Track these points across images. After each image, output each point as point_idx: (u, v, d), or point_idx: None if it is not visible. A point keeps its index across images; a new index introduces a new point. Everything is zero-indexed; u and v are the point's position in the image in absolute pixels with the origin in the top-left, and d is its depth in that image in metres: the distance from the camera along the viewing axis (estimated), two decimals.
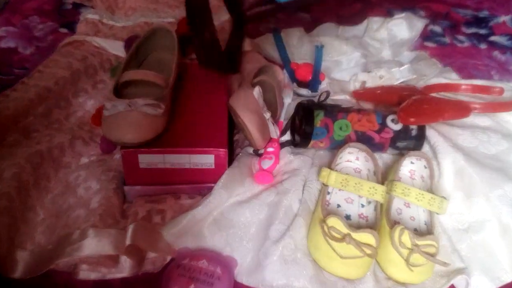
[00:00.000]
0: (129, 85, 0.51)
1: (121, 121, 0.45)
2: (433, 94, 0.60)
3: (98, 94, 0.62)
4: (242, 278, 0.44)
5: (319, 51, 0.61)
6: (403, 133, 0.52)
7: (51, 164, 0.52)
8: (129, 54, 0.54)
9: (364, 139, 0.52)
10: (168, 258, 0.45)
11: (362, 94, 0.63)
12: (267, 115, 0.52)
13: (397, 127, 0.52)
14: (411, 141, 0.53)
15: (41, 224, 0.47)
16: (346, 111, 0.54)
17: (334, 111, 0.53)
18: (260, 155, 0.53)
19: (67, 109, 0.60)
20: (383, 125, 0.52)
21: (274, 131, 0.53)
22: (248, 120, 0.50)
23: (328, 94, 0.56)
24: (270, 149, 0.52)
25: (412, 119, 0.50)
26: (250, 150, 0.55)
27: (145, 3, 0.80)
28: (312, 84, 0.63)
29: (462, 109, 0.52)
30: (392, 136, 0.52)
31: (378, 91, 0.62)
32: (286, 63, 0.68)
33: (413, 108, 0.51)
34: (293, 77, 0.65)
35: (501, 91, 0.58)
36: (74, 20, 0.77)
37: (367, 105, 0.63)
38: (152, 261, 0.45)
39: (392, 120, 0.53)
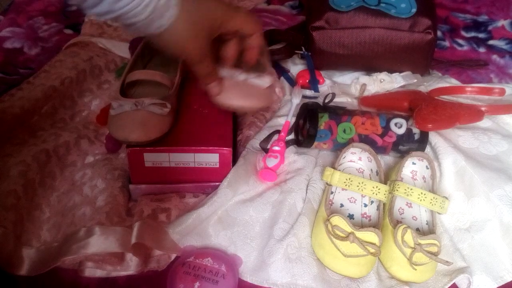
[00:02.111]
0: (135, 85, 0.52)
1: (127, 120, 0.46)
2: (436, 97, 0.61)
3: (103, 94, 0.63)
4: (246, 276, 0.44)
5: (308, 57, 0.67)
6: (406, 137, 0.53)
7: (57, 163, 0.52)
8: (135, 55, 0.55)
9: (367, 142, 0.52)
10: (173, 256, 0.45)
11: (370, 100, 0.63)
12: (242, 76, 0.47)
13: (401, 131, 0.53)
14: (414, 144, 0.53)
15: (47, 222, 0.48)
16: (350, 113, 0.54)
17: (339, 113, 0.54)
18: (266, 151, 0.53)
19: (72, 108, 0.61)
20: (386, 129, 0.53)
21: (267, 80, 0.49)
22: (233, 103, 0.47)
23: (333, 96, 0.56)
24: (275, 148, 0.53)
25: (429, 126, 0.51)
26: (256, 144, 0.55)
27: None
28: (312, 85, 0.65)
29: (476, 113, 0.53)
30: (395, 140, 0.53)
31: (386, 97, 0.62)
32: (284, 72, 0.69)
33: (430, 114, 0.51)
34: (293, 83, 0.66)
35: (502, 91, 0.61)
36: (79, 21, 0.78)
37: (371, 109, 0.64)
38: (157, 259, 0.45)
39: (396, 124, 0.53)
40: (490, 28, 0.81)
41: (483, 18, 0.83)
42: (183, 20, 0.37)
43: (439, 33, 0.81)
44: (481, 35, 0.80)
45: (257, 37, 0.45)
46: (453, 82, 0.67)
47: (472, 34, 0.80)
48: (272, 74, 0.53)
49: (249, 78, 0.48)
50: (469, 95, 0.63)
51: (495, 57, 0.75)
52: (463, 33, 0.80)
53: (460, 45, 0.78)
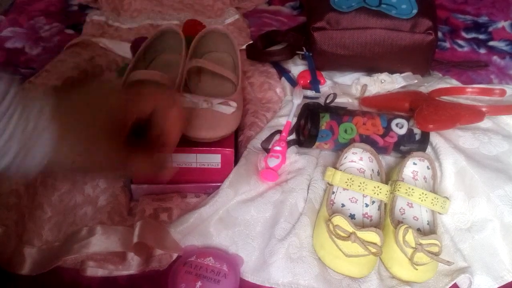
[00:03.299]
0: (136, 85, 0.52)
1: None
2: (437, 98, 0.61)
3: None
4: (248, 276, 0.44)
5: (309, 58, 0.67)
6: (407, 137, 0.53)
7: None
8: (137, 55, 0.55)
9: (368, 143, 0.52)
10: (175, 256, 0.45)
11: (371, 101, 0.63)
12: (205, 104, 0.45)
13: (402, 131, 0.53)
14: (415, 145, 0.53)
15: (48, 222, 0.48)
16: (352, 114, 0.54)
17: (340, 114, 0.54)
18: (267, 151, 0.53)
19: None
20: (387, 130, 0.53)
21: (232, 106, 0.46)
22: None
23: (335, 96, 0.57)
24: (277, 148, 0.53)
25: (430, 126, 0.51)
26: (257, 145, 0.55)
27: (150, 5, 0.81)
28: (313, 85, 0.65)
29: (477, 114, 0.54)
30: (396, 140, 0.53)
31: (387, 97, 0.62)
32: (285, 73, 0.69)
33: (430, 115, 0.52)
34: (294, 84, 0.66)
35: (503, 92, 0.61)
36: (80, 21, 0.78)
37: (372, 109, 0.64)
38: (158, 259, 0.45)
39: (397, 125, 0.53)
40: (490, 29, 0.81)
41: (483, 19, 0.83)
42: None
43: (439, 34, 0.81)
44: (482, 36, 0.80)
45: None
46: (453, 82, 0.67)
47: (473, 35, 0.80)
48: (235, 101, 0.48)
49: (213, 106, 0.46)
50: (470, 96, 0.63)
51: (495, 58, 0.75)
52: (464, 34, 0.80)
53: (461, 46, 0.78)
